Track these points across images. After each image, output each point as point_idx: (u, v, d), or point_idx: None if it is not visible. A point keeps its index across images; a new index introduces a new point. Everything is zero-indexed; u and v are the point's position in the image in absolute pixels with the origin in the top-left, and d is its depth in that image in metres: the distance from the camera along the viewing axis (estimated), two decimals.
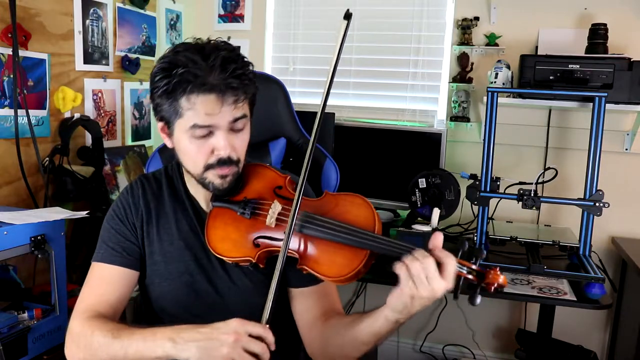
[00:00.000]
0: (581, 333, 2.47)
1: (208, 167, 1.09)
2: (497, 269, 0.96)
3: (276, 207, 1.12)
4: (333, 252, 1.05)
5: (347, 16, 1.09)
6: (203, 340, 0.94)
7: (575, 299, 1.82)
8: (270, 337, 0.94)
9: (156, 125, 1.15)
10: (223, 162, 1.08)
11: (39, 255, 1.57)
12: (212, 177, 1.11)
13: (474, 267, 0.97)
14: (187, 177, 1.22)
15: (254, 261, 1.11)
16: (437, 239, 0.96)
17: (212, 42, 1.09)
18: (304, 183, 1.06)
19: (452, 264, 0.93)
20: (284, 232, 1.04)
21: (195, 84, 1.02)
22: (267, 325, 0.96)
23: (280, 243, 1.06)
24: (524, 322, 2.57)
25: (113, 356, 1.02)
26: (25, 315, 1.55)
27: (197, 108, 1.03)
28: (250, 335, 0.93)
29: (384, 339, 1.06)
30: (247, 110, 1.11)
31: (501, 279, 0.96)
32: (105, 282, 1.15)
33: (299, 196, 1.05)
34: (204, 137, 1.07)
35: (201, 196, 1.21)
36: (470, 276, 0.96)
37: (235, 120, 1.07)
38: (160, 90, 1.06)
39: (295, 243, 1.08)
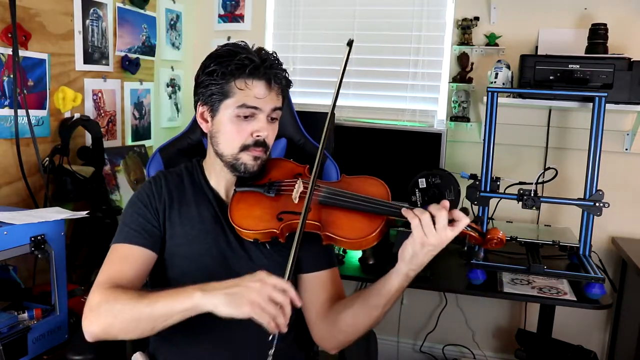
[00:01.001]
0: (581, 333, 2.47)
1: (244, 148, 1.21)
2: (496, 228, 1.13)
3: (299, 185, 1.23)
4: (352, 219, 1.16)
5: (349, 43, 1.25)
6: (231, 287, 1.00)
7: (575, 299, 1.82)
8: (292, 291, 1.00)
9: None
10: (260, 143, 1.21)
11: (39, 255, 1.57)
12: (246, 157, 1.22)
13: (476, 226, 1.12)
14: (209, 170, 1.31)
15: (277, 232, 1.18)
16: (446, 202, 1.08)
17: (256, 46, 1.26)
18: (321, 155, 1.18)
19: (465, 221, 1.06)
20: (304, 207, 1.13)
21: (251, 68, 1.17)
22: (289, 282, 1.02)
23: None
24: (524, 322, 2.57)
25: (137, 315, 1.04)
26: (25, 315, 1.55)
27: (248, 89, 1.18)
28: (275, 287, 0.98)
29: (393, 299, 1.15)
30: (281, 105, 1.25)
31: (500, 234, 1.11)
32: (126, 259, 1.19)
33: (317, 165, 1.16)
34: (246, 119, 1.20)
35: (222, 187, 1.30)
36: (474, 234, 1.11)
37: (275, 109, 1.22)
38: (215, 72, 1.19)
39: (317, 213, 1.18)
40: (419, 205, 2.16)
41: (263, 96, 1.19)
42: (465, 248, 1.12)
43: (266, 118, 1.21)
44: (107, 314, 1.07)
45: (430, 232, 1.04)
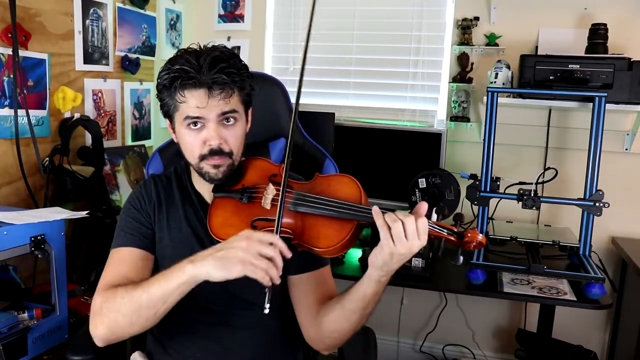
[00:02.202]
0: (581, 333, 2.47)
1: (202, 158, 1.19)
2: (475, 228, 1.05)
3: (270, 190, 1.21)
4: (323, 226, 1.13)
5: None
6: (218, 250, 1.01)
7: (575, 299, 1.82)
8: (280, 243, 1.01)
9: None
10: (214, 152, 1.18)
11: (39, 255, 1.57)
12: (207, 167, 1.20)
13: (453, 228, 1.06)
14: (193, 173, 1.31)
15: None
16: (421, 207, 1.05)
17: (212, 46, 1.20)
18: (288, 162, 1.14)
19: (425, 222, 1.02)
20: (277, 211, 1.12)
21: (185, 79, 1.14)
22: (278, 234, 1.03)
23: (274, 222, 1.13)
24: (524, 322, 2.57)
25: (137, 304, 1.05)
26: (25, 315, 1.55)
27: (188, 101, 1.15)
28: (262, 242, 1.00)
29: (371, 305, 1.13)
30: (237, 106, 1.20)
31: (480, 237, 1.04)
32: (124, 262, 1.21)
33: (286, 173, 1.13)
34: (197, 130, 1.18)
35: (205, 190, 1.30)
36: (451, 237, 1.05)
37: (224, 113, 1.17)
38: (160, 86, 1.19)
39: (289, 221, 1.16)
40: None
41: (204, 104, 1.15)
42: (440, 253, 1.07)
43: (217, 125, 1.17)
44: (109, 312, 1.09)
45: (399, 241, 1.01)
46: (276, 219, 1.09)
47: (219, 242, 1.21)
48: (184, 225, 1.27)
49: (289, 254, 1.02)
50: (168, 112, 1.22)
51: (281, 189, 1.12)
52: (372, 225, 1.07)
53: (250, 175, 1.28)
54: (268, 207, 1.19)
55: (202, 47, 1.19)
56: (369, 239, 2.25)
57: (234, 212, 1.22)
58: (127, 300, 1.06)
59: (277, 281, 0.99)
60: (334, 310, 1.18)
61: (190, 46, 1.20)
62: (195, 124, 1.17)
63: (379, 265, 1.07)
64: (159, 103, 1.24)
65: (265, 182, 1.25)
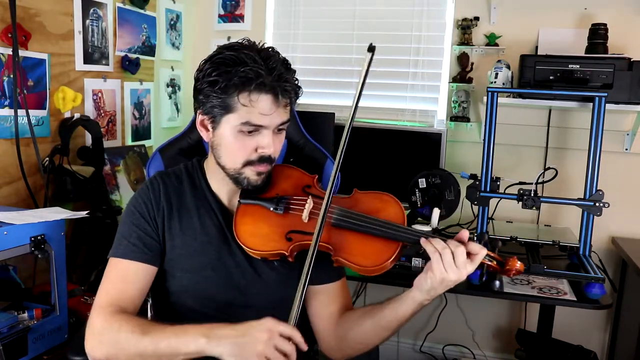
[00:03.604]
0: (581, 333, 2.47)
1: (248, 163, 1.13)
2: (515, 257, 1.08)
3: (310, 203, 1.16)
4: (366, 244, 1.11)
5: (371, 49, 1.18)
6: (237, 337, 0.96)
7: (575, 299, 1.82)
8: (298, 337, 0.97)
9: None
10: (264, 159, 1.13)
11: (39, 255, 1.57)
12: (250, 173, 1.14)
13: (495, 255, 1.08)
14: (211, 174, 1.24)
15: (286, 254, 1.13)
16: (464, 234, 1.07)
17: (268, 47, 1.14)
18: (336, 176, 1.11)
19: (482, 253, 1.04)
20: (317, 227, 1.08)
21: (257, 83, 1.06)
22: (295, 327, 0.99)
23: (312, 236, 1.09)
24: (524, 322, 2.57)
25: (142, 351, 1.02)
26: (25, 315, 1.55)
27: (253, 106, 1.08)
28: (282, 335, 0.96)
29: (404, 323, 1.13)
30: (289, 115, 1.16)
31: (518, 264, 1.08)
32: (127, 278, 1.15)
33: (332, 188, 1.10)
34: (250, 134, 1.11)
35: (224, 193, 1.23)
36: (492, 264, 1.08)
37: (283, 123, 1.13)
38: (217, 85, 1.08)
39: (328, 236, 1.12)
40: (419, 205, 2.16)
41: (269, 112, 1.09)
42: (484, 279, 1.10)
43: (272, 133, 1.12)
44: (110, 345, 1.05)
45: (450, 268, 1.02)
46: (315, 233, 1.06)
47: (240, 251, 1.18)
48: (199, 232, 1.19)
49: (304, 347, 0.98)
50: (212, 110, 1.12)
51: (324, 203, 1.09)
52: (415, 246, 1.08)
53: (282, 185, 1.22)
54: (306, 220, 1.15)
55: (256, 44, 1.13)
56: None
57: (265, 222, 1.16)
58: (132, 343, 1.02)
59: None
60: (364, 324, 1.16)
61: (243, 41, 1.13)
62: (252, 130, 1.10)
63: (427, 290, 1.06)
64: (197, 97, 1.14)
65: (299, 193, 1.21)
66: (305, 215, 1.15)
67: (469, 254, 1.03)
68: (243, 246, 1.15)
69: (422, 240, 1.06)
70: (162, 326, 1.03)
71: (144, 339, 1.01)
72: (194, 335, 0.98)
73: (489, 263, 1.07)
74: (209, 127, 1.16)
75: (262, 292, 1.20)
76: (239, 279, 1.19)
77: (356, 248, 1.11)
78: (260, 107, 1.08)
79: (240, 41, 1.14)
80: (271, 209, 1.17)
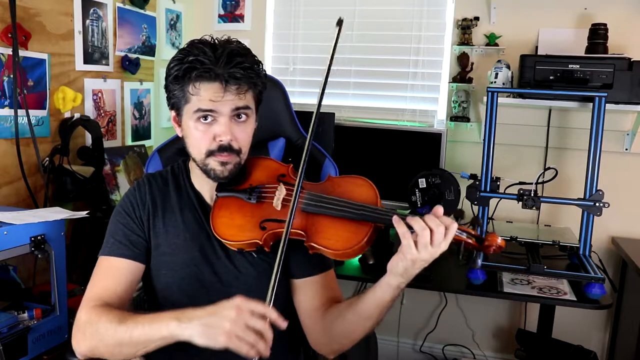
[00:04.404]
0: (581, 333, 2.47)
1: (210, 154, 1.15)
2: (494, 233, 1.06)
3: (282, 190, 1.18)
4: (338, 227, 1.11)
5: (339, 22, 1.18)
6: (206, 316, 0.96)
7: (575, 299, 1.82)
8: (273, 314, 0.95)
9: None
10: (223, 148, 1.14)
11: (39, 255, 1.57)
12: (214, 163, 1.16)
13: (472, 232, 1.06)
14: (193, 172, 1.27)
15: (260, 243, 1.14)
16: (439, 210, 1.04)
17: (226, 39, 1.17)
18: (306, 160, 1.11)
19: (454, 227, 1.02)
20: (289, 213, 1.08)
21: (200, 70, 1.10)
22: (271, 305, 0.97)
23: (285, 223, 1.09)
24: (524, 322, 2.57)
25: (119, 340, 1.03)
26: (25, 315, 1.55)
27: (201, 94, 1.12)
28: (253, 313, 0.94)
29: (386, 310, 1.11)
30: (250, 102, 1.17)
31: (499, 240, 1.05)
32: (113, 273, 1.17)
33: (302, 169, 1.10)
34: (208, 124, 1.14)
35: (206, 190, 1.26)
36: (470, 241, 1.06)
37: (237, 109, 1.14)
38: (171, 76, 1.15)
39: (301, 222, 1.12)
40: (419, 205, 2.16)
41: (218, 98, 1.11)
42: (461, 257, 1.09)
43: (229, 120, 1.14)
44: (91, 337, 1.07)
45: (425, 248, 1.00)
46: (287, 219, 1.06)
47: (221, 247, 1.20)
48: (182, 229, 1.22)
49: (283, 325, 0.96)
50: (176, 104, 1.17)
51: (295, 187, 1.09)
52: (389, 227, 1.06)
53: (257, 175, 1.24)
54: (279, 207, 1.16)
55: (215, 39, 1.15)
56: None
57: (240, 212, 1.18)
58: (110, 333, 1.04)
59: (266, 354, 0.93)
60: (345, 316, 1.16)
61: (204, 37, 1.16)
62: (206, 117, 1.13)
63: (399, 272, 1.05)
64: (166, 94, 1.20)
65: (272, 182, 1.21)
66: (276, 202, 1.16)
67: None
68: (219, 238, 1.17)
69: (394, 219, 1.05)
70: (137, 315, 1.05)
71: (120, 328, 1.03)
72: (166, 319, 0.99)
73: (467, 240, 1.06)
74: (178, 121, 1.21)
75: (243, 287, 1.20)
76: (220, 275, 1.21)
77: (328, 232, 1.11)
78: (208, 94, 1.11)
79: (205, 37, 1.17)
80: (245, 199, 1.19)
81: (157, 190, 1.25)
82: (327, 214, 1.12)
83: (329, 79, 1.19)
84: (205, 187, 1.26)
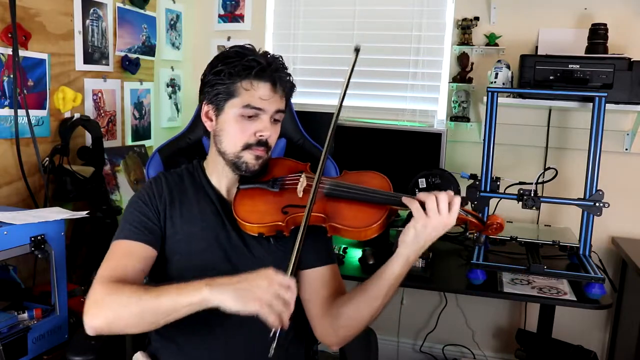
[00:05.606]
0: (581, 333, 2.47)
1: (246, 147, 1.24)
2: (495, 213, 1.20)
3: (303, 180, 1.26)
4: (356, 210, 1.20)
5: (357, 50, 1.24)
6: (238, 283, 1.01)
7: (575, 299, 1.82)
8: (295, 287, 1.02)
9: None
10: (262, 143, 1.24)
11: (39, 255, 1.57)
12: (248, 156, 1.24)
13: (475, 213, 1.20)
14: (211, 170, 1.33)
15: (282, 225, 1.20)
16: (449, 192, 1.14)
17: (264, 51, 1.28)
18: (328, 147, 1.22)
19: (457, 200, 1.12)
20: (310, 199, 1.16)
21: (258, 70, 1.21)
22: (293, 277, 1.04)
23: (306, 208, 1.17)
24: (524, 322, 2.57)
25: (143, 307, 1.04)
26: (25, 315, 1.56)
27: (254, 90, 1.22)
28: (282, 285, 1.00)
29: (393, 288, 1.18)
30: (285, 107, 1.28)
31: (500, 219, 1.19)
32: (127, 255, 1.19)
33: (324, 160, 1.20)
34: (249, 119, 1.23)
35: (223, 185, 1.32)
36: (475, 221, 1.19)
37: (278, 111, 1.25)
38: (223, 73, 1.22)
39: (321, 206, 1.21)
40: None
41: (268, 98, 1.22)
42: (468, 233, 1.17)
43: (269, 119, 1.24)
44: (111, 308, 1.07)
45: (433, 212, 1.09)
46: (310, 196, 1.13)
47: (238, 232, 1.25)
48: (198, 219, 1.26)
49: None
50: (216, 100, 1.24)
51: (317, 174, 1.16)
52: (405, 208, 1.16)
53: (277, 171, 1.32)
54: (300, 194, 1.23)
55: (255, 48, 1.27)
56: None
57: (262, 200, 1.25)
58: (134, 301, 1.04)
59: (286, 327, 0.99)
60: (353, 299, 1.21)
61: (246, 46, 1.27)
62: (251, 114, 1.21)
63: (410, 240, 1.12)
64: (203, 90, 1.26)
65: (296, 174, 1.29)
66: (299, 189, 1.24)
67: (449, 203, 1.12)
68: (240, 221, 1.22)
69: (404, 198, 1.15)
70: (163, 285, 1.06)
71: (145, 296, 1.04)
72: (197, 285, 1.01)
73: (471, 219, 1.18)
74: (213, 116, 1.27)
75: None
76: (235, 263, 1.24)
77: (348, 213, 1.20)
78: (260, 92, 1.21)
79: (244, 44, 1.28)
80: (268, 188, 1.26)
81: (174, 184, 1.31)
82: (346, 197, 1.21)
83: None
84: (223, 183, 1.31)
